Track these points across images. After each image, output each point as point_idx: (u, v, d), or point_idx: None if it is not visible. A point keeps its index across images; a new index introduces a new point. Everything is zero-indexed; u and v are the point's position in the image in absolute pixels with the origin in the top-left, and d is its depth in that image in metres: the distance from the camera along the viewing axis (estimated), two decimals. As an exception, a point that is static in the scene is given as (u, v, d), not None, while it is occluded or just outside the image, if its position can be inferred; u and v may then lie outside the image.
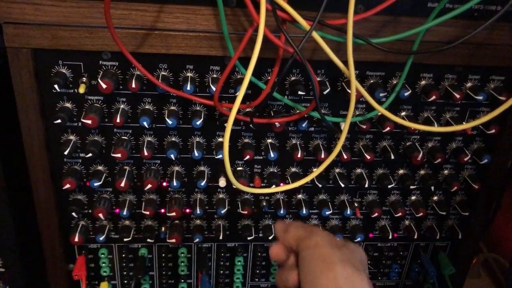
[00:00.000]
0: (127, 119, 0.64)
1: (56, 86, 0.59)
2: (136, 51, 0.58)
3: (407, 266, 0.83)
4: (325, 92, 0.62)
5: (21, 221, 0.70)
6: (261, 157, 0.70)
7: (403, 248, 0.81)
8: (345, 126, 0.56)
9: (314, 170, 0.70)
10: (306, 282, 0.49)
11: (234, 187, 0.68)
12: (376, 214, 0.73)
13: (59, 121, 0.60)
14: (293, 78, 0.64)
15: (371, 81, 0.65)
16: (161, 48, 0.59)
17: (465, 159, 0.70)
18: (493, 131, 0.68)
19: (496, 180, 0.73)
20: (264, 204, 0.73)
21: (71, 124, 0.64)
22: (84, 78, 0.61)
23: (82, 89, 0.61)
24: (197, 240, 0.72)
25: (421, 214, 0.73)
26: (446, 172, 0.73)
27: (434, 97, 0.63)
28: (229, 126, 0.51)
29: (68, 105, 0.62)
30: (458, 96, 0.64)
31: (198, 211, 0.69)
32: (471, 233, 0.78)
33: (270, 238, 0.73)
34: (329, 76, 0.65)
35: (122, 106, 0.63)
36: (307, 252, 0.50)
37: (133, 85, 0.59)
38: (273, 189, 0.64)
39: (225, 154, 0.53)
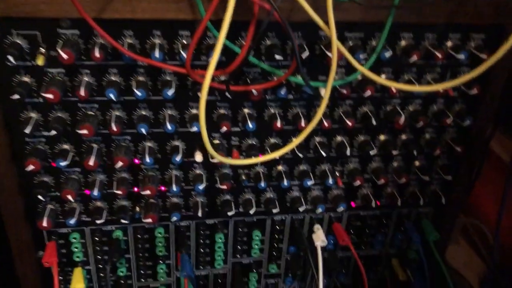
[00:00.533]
0: (92, 93, 0.60)
1: (11, 58, 0.53)
2: (99, 17, 0.54)
3: (390, 234, 0.81)
4: (304, 56, 0.58)
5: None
6: (238, 129, 0.66)
7: (385, 217, 0.79)
8: (327, 90, 0.53)
9: (294, 139, 0.67)
10: None
11: (212, 161, 0.65)
12: (358, 182, 0.71)
13: (17, 96, 0.55)
14: (269, 43, 0.60)
15: (350, 43, 0.62)
16: (126, 13, 0.54)
17: (447, 121, 0.68)
18: (475, 91, 0.66)
19: (478, 142, 0.72)
20: (244, 178, 0.70)
21: (31, 100, 0.59)
22: (42, 49, 0.56)
23: (40, 61, 0.56)
24: (174, 218, 0.68)
25: (404, 180, 0.71)
26: (428, 136, 0.72)
27: (415, 57, 0.61)
28: (204, 93, 0.47)
29: (26, 79, 0.57)
30: (439, 55, 0.62)
31: (174, 188, 0.66)
32: (454, 197, 0.77)
33: (251, 212, 0.70)
34: (307, 39, 0.61)
35: (86, 78, 0.58)
36: None
37: (97, 55, 0.55)
38: (255, 160, 0.60)
39: (202, 125, 0.49)
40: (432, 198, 0.77)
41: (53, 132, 0.58)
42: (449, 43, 0.64)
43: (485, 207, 1.19)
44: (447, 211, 0.79)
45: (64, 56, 0.53)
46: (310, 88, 0.55)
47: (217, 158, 0.54)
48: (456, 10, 0.61)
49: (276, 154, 0.59)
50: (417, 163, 0.74)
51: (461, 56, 0.63)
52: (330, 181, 0.70)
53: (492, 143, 0.99)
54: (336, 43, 0.50)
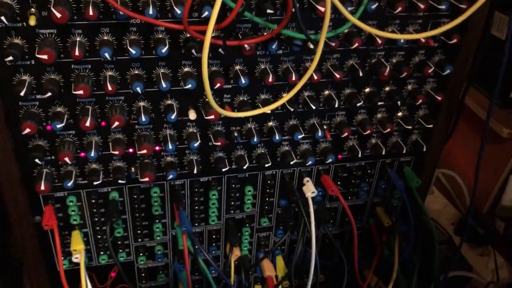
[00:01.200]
0: (85, 53, 0.60)
1: (2, 18, 0.53)
2: (90, -26, 0.53)
3: (374, 183, 0.85)
4: (293, 10, 0.60)
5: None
6: (230, 86, 0.68)
7: (370, 166, 0.83)
8: (320, 41, 0.55)
9: (285, 95, 0.69)
10: None
11: (206, 118, 0.66)
12: (346, 134, 0.74)
13: (10, 58, 0.55)
14: (259, -3, 0.61)
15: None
16: (118, -31, 0.54)
17: (429, 71, 0.71)
18: (454, 40, 0.69)
19: (457, 89, 0.76)
20: (236, 134, 0.71)
21: (24, 62, 0.58)
22: (33, 9, 0.55)
23: (32, 21, 0.55)
24: (171, 176, 0.70)
25: (388, 129, 0.74)
26: (410, 87, 0.75)
27: (400, 8, 0.63)
28: (205, 49, 0.48)
29: (17, 41, 0.57)
30: (422, 6, 0.64)
31: (170, 147, 0.67)
32: (433, 145, 0.82)
33: (244, 167, 0.72)
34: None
35: (78, 39, 0.58)
36: None
37: (91, 13, 0.54)
38: (257, 111, 0.62)
39: (205, 80, 0.50)
40: (414, 147, 0.81)
41: (48, 94, 0.58)
42: (430, -6, 0.67)
43: (458, 159, 1.25)
44: (428, 157, 0.84)
45: (58, 14, 0.53)
46: (310, 40, 0.56)
47: (222, 112, 0.55)
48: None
49: (268, 108, 0.61)
50: (399, 113, 0.77)
51: (443, 7, 0.65)
52: (320, 134, 0.72)
53: (467, 99, 1.04)
54: (329, -6, 0.51)
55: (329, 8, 0.52)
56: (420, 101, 0.73)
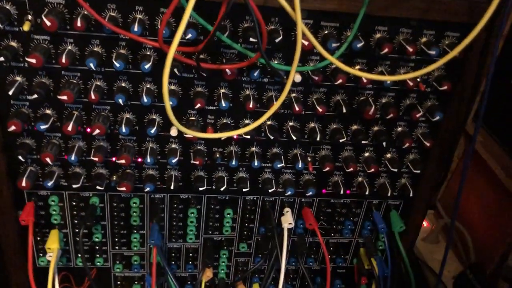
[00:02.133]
0: (75, 61, 0.63)
1: (-2, 22, 0.57)
2: (83, -12, 0.57)
3: (360, 223, 0.84)
4: (277, 40, 0.61)
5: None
6: (214, 108, 0.69)
7: (356, 205, 0.82)
8: (290, 72, 0.56)
9: (268, 123, 0.70)
10: None
11: (185, 135, 0.68)
12: (328, 169, 0.73)
13: (2, 58, 0.58)
14: (246, 25, 0.63)
15: (325, 32, 0.64)
16: (109, -14, 0.57)
17: (418, 115, 0.70)
18: (445, 87, 0.68)
19: (447, 138, 0.74)
20: (217, 155, 0.72)
21: (17, 64, 0.62)
22: (29, 16, 0.59)
23: (26, 27, 0.59)
24: (148, 189, 0.71)
25: (372, 170, 0.73)
26: (399, 129, 0.74)
27: (386, 49, 0.63)
28: (168, 64, 0.50)
29: (13, 44, 0.61)
30: (411, 49, 0.64)
31: (149, 160, 0.69)
32: (422, 192, 0.80)
33: (222, 189, 0.73)
34: (284, 25, 0.64)
35: (69, 47, 0.62)
36: None
37: (79, 24, 0.57)
38: (218, 135, 0.63)
39: (165, 96, 0.52)
40: (401, 191, 0.79)
41: (35, 96, 0.61)
42: (423, 39, 0.66)
43: (469, 211, 1.20)
44: (415, 204, 0.81)
45: (48, 23, 0.56)
46: (271, 68, 0.57)
47: (179, 127, 0.56)
48: (431, 6, 0.63)
49: (240, 131, 0.62)
50: (388, 155, 0.76)
51: (433, 52, 0.64)
52: (300, 164, 0.72)
53: (480, 148, 1.00)
54: (301, 28, 0.52)
55: (300, 37, 0.53)
56: (407, 144, 0.72)
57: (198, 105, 0.65)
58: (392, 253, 0.78)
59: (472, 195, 1.15)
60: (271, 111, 0.59)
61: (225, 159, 0.73)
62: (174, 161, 0.69)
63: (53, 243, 0.74)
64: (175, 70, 0.63)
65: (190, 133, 0.58)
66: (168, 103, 0.51)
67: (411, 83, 0.67)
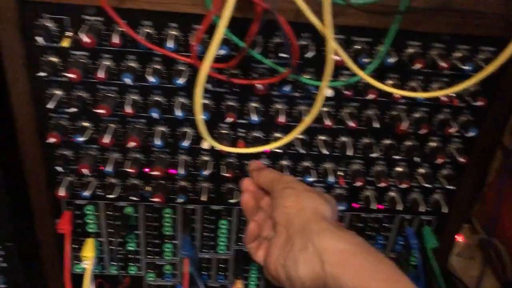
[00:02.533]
0: (112, 76, 0.65)
1: (40, 39, 0.59)
2: (119, 7, 0.59)
3: (392, 238, 0.83)
4: (309, 56, 0.61)
5: (10, 176, 0.72)
6: (245, 121, 0.70)
7: (388, 220, 0.81)
8: (321, 88, 0.56)
9: (299, 136, 0.70)
10: (275, 207, 0.57)
11: (216, 149, 0.69)
12: (359, 183, 0.73)
13: (43, 73, 0.61)
14: (277, 40, 0.63)
15: (356, 47, 0.64)
16: (144, 4, 0.59)
17: (451, 131, 0.69)
18: (480, 103, 0.66)
19: (482, 153, 0.72)
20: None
21: (57, 78, 0.65)
22: (68, 32, 0.62)
23: (66, 43, 0.61)
24: (180, 200, 0.73)
25: (404, 185, 0.72)
26: (432, 144, 0.73)
27: (418, 65, 0.62)
28: (200, 81, 0.51)
29: (53, 59, 0.63)
30: (445, 65, 0.63)
31: (182, 172, 0.70)
32: (456, 208, 0.78)
33: (252, 202, 0.73)
34: (316, 40, 0.64)
35: (106, 62, 0.64)
36: (279, 186, 0.59)
37: (116, 41, 0.60)
38: (249, 150, 0.64)
39: (198, 112, 0.53)
40: (434, 207, 0.78)
41: (73, 109, 0.64)
42: (456, 54, 0.65)
43: (507, 226, 1.16)
44: (449, 220, 0.80)
45: (86, 40, 0.59)
46: (299, 83, 0.58)
47: (211, 143, 0.57)
48: (465, 21, 0.62)
49: (271, 146, 0.62)
50: (420, 170, 0.75)
51: (467, 68, 0.63)
52: (331, 179, 0.72)
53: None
54: (332, 45, 0.52)
55: (330, 54, 0.53)
56: (441, 160, 0.71)
57: (230, 119, 0.66)
58: (425, 269, 0.77)
59: (510, 209, 1.12)
60: (302, 127, 0.60)
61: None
62: (205, 173, 0.70)
63: (88, 251, 0.76)
64: (208, 85, 0.65)
65: (221, 148, 0.59)
66: (200, 120, 0.52)
67: (445, 99, 0.66)
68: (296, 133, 0.60)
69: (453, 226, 0.80)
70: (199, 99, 0.51)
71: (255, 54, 0.60)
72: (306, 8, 0.50)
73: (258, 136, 0.71)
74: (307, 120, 0.58)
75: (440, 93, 0.59)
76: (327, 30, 0.51)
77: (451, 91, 0.57)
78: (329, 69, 0.54)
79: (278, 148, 0.70)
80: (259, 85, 0.63)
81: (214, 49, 0.49)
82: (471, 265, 1.20)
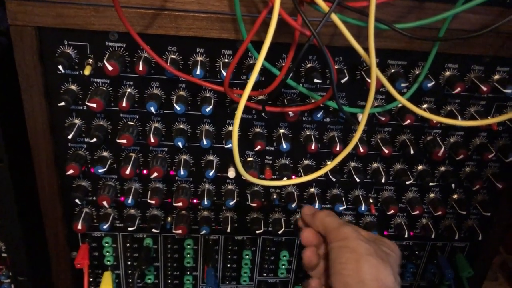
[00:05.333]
0: (134, 104, 0.61)
1: (60, 67, 0.56)
2: (144, 32, 0.55)
3: (422, 266, 0.79)
4: (343, 81, 0.58)
5: (25, 206, 0.68)
6: (272, 148, 0.67)
7: (419, 248, 0.77)
8: (363, 117, 0.53)
9: (328, 163, 0.67)
10: (333, 272, 0.51)
11: (244, 178, 0.65)
12: (392, 212, 0.69)
13: (63, 103, 0.58)
14: (309, 65, 0.60)
15: (392, 71, 0.61)
16: (171, 30, 0.56)
17: (489, 156, 0.66)
18: (521, 127, 0.64)
19: (521, 179, 0.69)
20: (275, 197, 0.70)
21: (76, 107, 0.61)
22: (90, 60, 0.58)
23: (87, 71, 0.58)
24: (204, 232, 0.69)
25: (439, 213, 0.69)
26: (468, 169, 0.69)
27: (459, 89, 0.59)
28: (238, 113, 0.48)
29: (73, 87, 0.60)
30: (485, 88, 0.60)
31: (205, 202, 0.66)
32: (492, 235, 0.75)
33: (279, 232, 0.70)
34: (348, 64, 0.61)
35: (129, 90, 0.60)
36: (337, 244, 0.52)
37: (141, 68, 0.56)
38: (283, 182, 0.61)
39: (234, 143, 0.50)
40: (468, 233, 0.74)
41: (94, 140, 0.60)
42: (496, 76, 0.63)
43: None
44: (484, 247, 0.76)
45: (110, 67, 0.55)
46: (343, 113, 0.54)
47: (246, 177, 0.54)
48: (504, 43, 0.60)
49: (306, 178, 0.59)
50: (455, 196, 0.72)
51: (508, 91, 0.61)
52: (363, 207, 0.69)
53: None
54: (375, 72, 0.49)
55: (374, 86, 0.50)
56: (478, 186, 0.68)
57: (258, 147, 0.62)
58: (460, 300, 0.73)
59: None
60: (340, 157, 0.56)
61: (282, 200, 0.70)
62: (231, 203, 0.67)
63: (106, 285, 0.72)
64: (235, 112, 0.61)
65: (256, 181, 0.56)
66: (236, 152, 0.49)
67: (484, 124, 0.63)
68: (333, 165, 0.57)
69: (488, 252, 0.77)
70: (236, 131, 0.48)
71: (291, 82, 0.56)
72: (350, 36, 0.47)
73: (286, 163, 0.67)
74: (350, 147, 0.55)
75: (493, 121, 0.56)
76: (372, 57, 0.48)
77: (499, 120, 0.54)
78: (372, 96, 0.51)
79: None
80: (291, 112, 0.59)
81: (253, 79, 0.46)
82: (495, 287, 1.16)
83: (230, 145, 0.62)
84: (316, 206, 0.68)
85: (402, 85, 0.59)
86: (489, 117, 0.65)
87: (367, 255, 0.50)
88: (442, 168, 0.69)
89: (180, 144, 0.62)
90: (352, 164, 0.68)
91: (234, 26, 0.56)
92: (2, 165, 0.63)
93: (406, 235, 0.72)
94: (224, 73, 0.57)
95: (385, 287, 0.48)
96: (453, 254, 0.78)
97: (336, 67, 0.60)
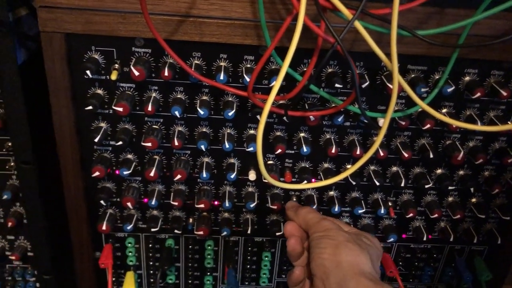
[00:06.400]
0: (159, 108, 0.63)
1: (88, 72, 0.58)
2: (169, 38, 0.57)
3: (440, 269, 0.79)
4: (364, 86, 0.59)
5: (50, 207, 0.70)
6: (293, 151, 0.68)
7: (437, 251, 0.78)
8: (385, 122, 0.54)
9: (348, 167, 0.68)
10: (312, 256, 0.54)
11: (264, 181, 0.67)
12: (411, 215, 0.70)
13: (90, 107, 0.59)
14: (330, 70, 0.61)
15: (412, 76, 0.62)
16: (195, 36, 0.57)
17: (509, 160, 0.66)
18: (541, 132, 0.64)
19: (541, 183, 0.70)
20: (294, 199, 0.71)
21: (103, 111, 0.63)
22: (116, 65, 0.60)
23: (114, 76, 0.60)
24: (224, 233, 0.70)
25: (458, 216, 0.70)
26: (487, 173, 0.70)
27: (478, 94, 0.60)
28: (263, 118, 0.49)
29: (99, 91, 0.62)
30: (505, 93, 0.60)
31: (226, 204, 0.68)
32: (511, 238, 0.75)
33: (299, 234, 0.71)
34: (368, 69, 0.62)
35: (153, 95, 0.62)
36: (317, 234, 0.55)
37: (166, 73, 0.58)
38: (304, 185, 0.62)
39: (258, 147, 0.51)
40: (487, 237, 0.75)
41: (120, 143, 0.62)
42: (516, 81, 0.63)
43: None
44: (503, 251, 0.77)
45: (136, 72, 0.57)
46: (365, 118, 0.55)
47: (269, 180, 0.55)
48: (524, 48, 0.60)
49: (327, 182, 0.60)
50: (473, 199, 0.72)
51: (528, 96, 0.61)
52: (382, 211, 0.69)
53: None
54: (397, 77, 0.50)
55: (395, 92, 0.51)
56: (497, 190, 0.68)
57: (279, 150, 0.63)
58: (478, 303, 0.73)
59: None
60: (361, 162, 0.57)
61: (302, 203, 0.71)
62: (252, 205, 0.68)
63: (129, 285, 0.74)
64: (257, 116, 0.63)
65: (278, 184, 0.57)
66: (261, 158, 0.50)
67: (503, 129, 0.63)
68: (354, 168, 0.58)
69: (506, 256, 0.77)
70: (260, 136, 0.49)
71: (313, 87, 0.57)
72: (373, 43, 0.48)
73: (305, 166, 0.68)
74: (371, 151, 0.56)
75: (507, 127, 0.57)
76: (394, 63, 0.49)
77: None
78: (393, 101, 0.52)
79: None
80: (312, 116, 0.60)
81: (277, 86, 0.47)
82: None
83: (251, 148, 0.63)
84: (336, 210, 0.69)
85: (423, 90, 0.59)
86: (508, 122, 0.65)
87: (346, 241, 0.52)
88: (461, 172, 0.70)
89: (202, 147, 0.63)
90: (372, 167, 0.69)
91: (256, 32, 0.57)
92: (30, 166, 0.65)
93: (424, 238, 0.72)
94: (247, 78, 0.58)
95: (362, 272, 0.50)
96: (472, 257, 0.78)
97: (358, 72, 0.61)
